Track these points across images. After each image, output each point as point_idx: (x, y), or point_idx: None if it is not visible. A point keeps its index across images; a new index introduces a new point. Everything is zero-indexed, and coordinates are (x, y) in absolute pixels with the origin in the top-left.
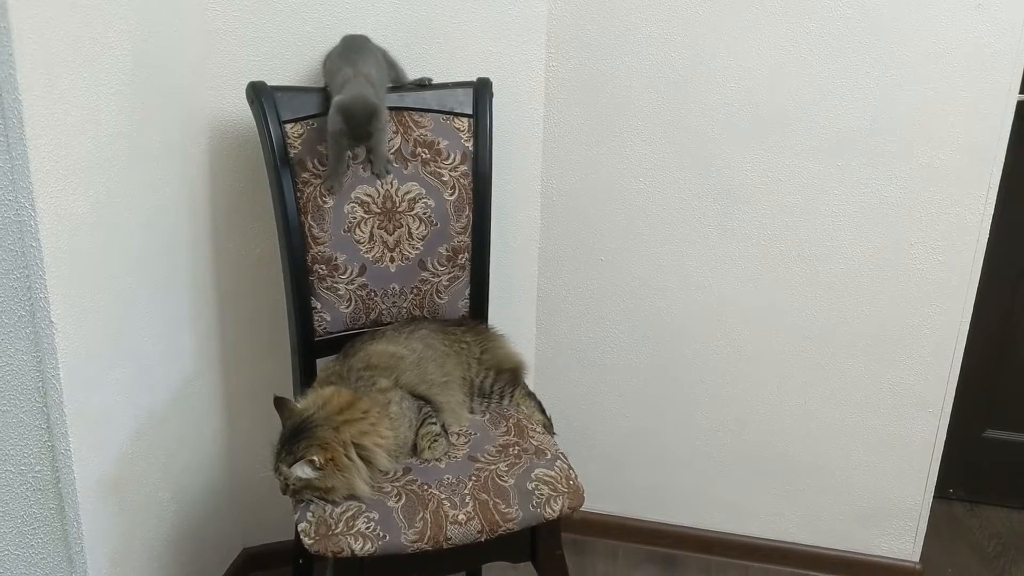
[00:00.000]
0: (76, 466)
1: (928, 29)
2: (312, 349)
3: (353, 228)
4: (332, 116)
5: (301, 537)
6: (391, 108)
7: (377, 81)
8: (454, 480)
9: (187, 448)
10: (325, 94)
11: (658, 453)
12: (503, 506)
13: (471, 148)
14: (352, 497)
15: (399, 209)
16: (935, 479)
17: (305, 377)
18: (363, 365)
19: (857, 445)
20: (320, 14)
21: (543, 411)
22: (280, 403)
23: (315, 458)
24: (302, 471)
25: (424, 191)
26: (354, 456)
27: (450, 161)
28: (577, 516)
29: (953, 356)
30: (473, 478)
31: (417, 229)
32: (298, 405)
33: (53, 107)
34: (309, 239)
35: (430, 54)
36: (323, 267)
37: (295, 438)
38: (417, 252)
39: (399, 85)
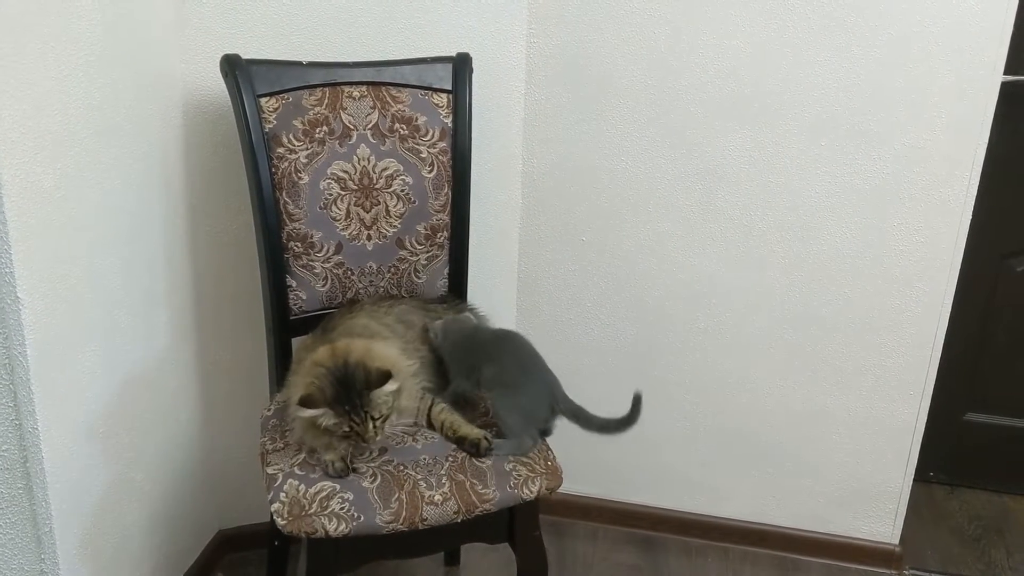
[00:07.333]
0: (44, 445)
1: (912, 8)
2: (288, 327)
3: (329, 205)
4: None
5: (274, 517)
6: (368, 83)
7: None
8: (430, 460)
9: (161, 427)
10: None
11: (639, 435)
12: (480, 487)
13: (450, 124)
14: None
15: (376, 186)
16: (916, 462)
17: (281, 356)
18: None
19: (838, 428)
20: None
21: None
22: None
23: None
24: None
25: (402, 168)
26: None
27: (428, 137)
28: (557, 498)
29: (935, 339)
30: (450, 459)
31: (395, 207)
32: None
33: (20, 77)
34: (284, 216)
35: (409, 28)
36: (299, 244)
37: (348, 388)
38: (395, 230)
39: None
